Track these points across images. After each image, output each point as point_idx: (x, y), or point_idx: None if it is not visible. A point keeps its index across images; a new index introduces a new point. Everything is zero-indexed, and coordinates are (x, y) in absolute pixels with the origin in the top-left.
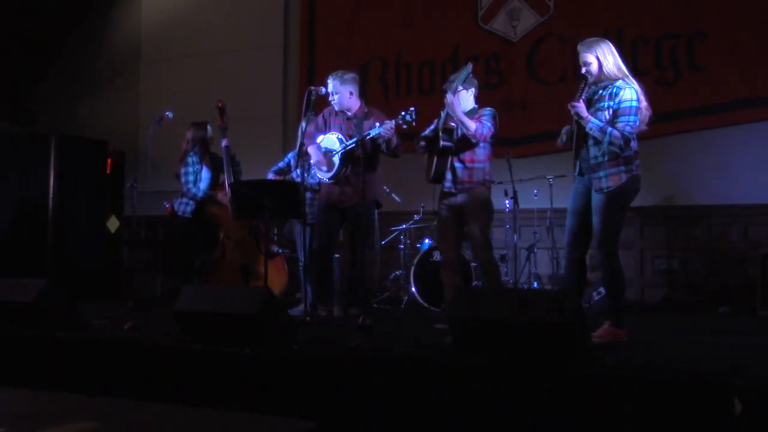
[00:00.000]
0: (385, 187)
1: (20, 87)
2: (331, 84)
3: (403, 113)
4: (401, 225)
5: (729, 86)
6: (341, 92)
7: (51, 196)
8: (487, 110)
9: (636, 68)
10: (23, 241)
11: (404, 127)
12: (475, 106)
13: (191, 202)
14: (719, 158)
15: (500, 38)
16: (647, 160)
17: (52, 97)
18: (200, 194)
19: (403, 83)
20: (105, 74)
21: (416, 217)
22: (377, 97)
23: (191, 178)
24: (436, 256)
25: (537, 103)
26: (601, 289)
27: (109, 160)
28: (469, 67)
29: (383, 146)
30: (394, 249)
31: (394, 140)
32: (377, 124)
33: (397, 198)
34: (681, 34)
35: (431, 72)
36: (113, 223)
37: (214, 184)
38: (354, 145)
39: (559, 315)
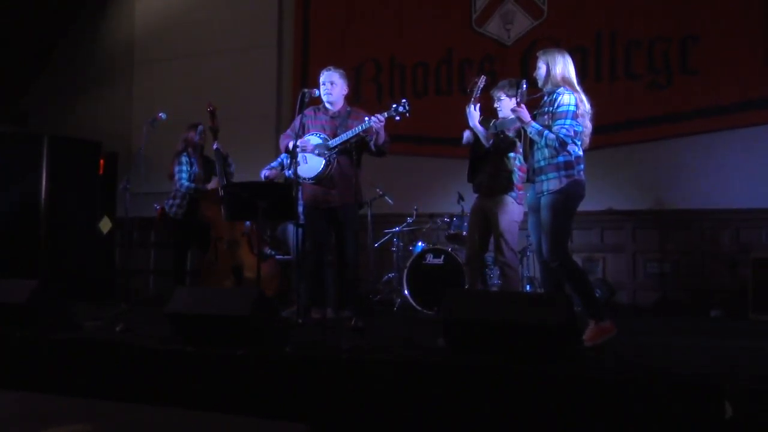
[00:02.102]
0: (378, 190)
1: (13, 87)
2: (330, 74)
3: (395, 105)
4: (394, 227)
5: (721, 90)
6: (340, 84)
7: (43, 196)
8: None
9: (629, 71)
10: (15, 242)
11: (397, 119)
12: None
13: (183, 202)
14: (711, 162)
15: (494, 41)
16: (639, 164)
17: (44, 97)
18: (193, 186)
19: (397, 85)
20: (98, 75)
21: (409, 219)
22: (371, 98)
23: (184, 175)
24: (429, 258)
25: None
26: None
27: (101, 161)
28: (482, 79)
29: (371, 143)
30: (387, 251)
31: (383, 136)
32: (366, 118)
33: (389, 201)
34: (673, 37)
35: (425, 74)
36: (106, 225)
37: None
38: (346, 141)
39: (551, 317)
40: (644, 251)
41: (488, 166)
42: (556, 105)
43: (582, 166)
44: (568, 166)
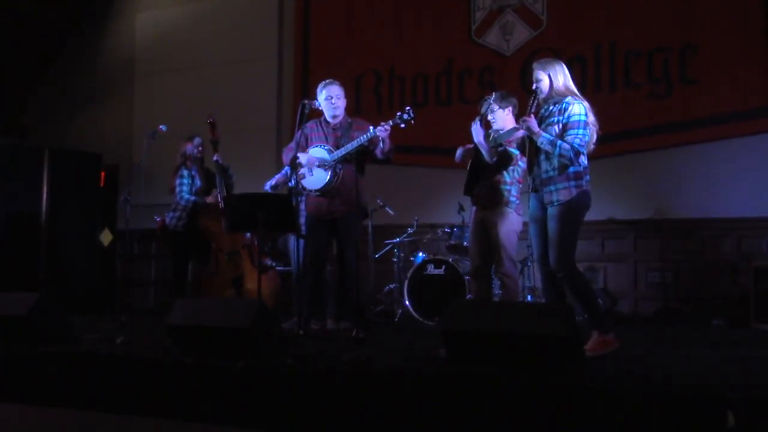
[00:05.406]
0: (378, 200)
1: (13, 99)
2: (333, 88)
3: (399, 113)
4: (395, 238)
5: (720, 99)
6: (343, 96)
7: (44, 209)
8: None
9: (628, 81)
10: (15, 254)
11: (402, 126)
12: (517, 126)
13: (183, 215)
14: (712, 171)
15: (493, 52)
16: (639, 174)
17: (45, 109)
18: (193, 199)
19: (397, 96)
20: (99, 87)
21: (410, 230)
22: (371, 109)
23: (185, 189)
24: (430, 269)
25: None
26: None
27: (102, 173)
28: (492, 96)
29: (377, 151)
30: (388, 262)
31: (388, 143)
32: (371, 128)
33: (390, 211)
34: (673, 47)
35: (425, 85)
36: (106, 237)
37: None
38: (350, 151)
39: (553, 327)
40: (645, 260)
41: (487, 179)
42: (567, 115)
43: (588, 176)
44: (578, 176)
